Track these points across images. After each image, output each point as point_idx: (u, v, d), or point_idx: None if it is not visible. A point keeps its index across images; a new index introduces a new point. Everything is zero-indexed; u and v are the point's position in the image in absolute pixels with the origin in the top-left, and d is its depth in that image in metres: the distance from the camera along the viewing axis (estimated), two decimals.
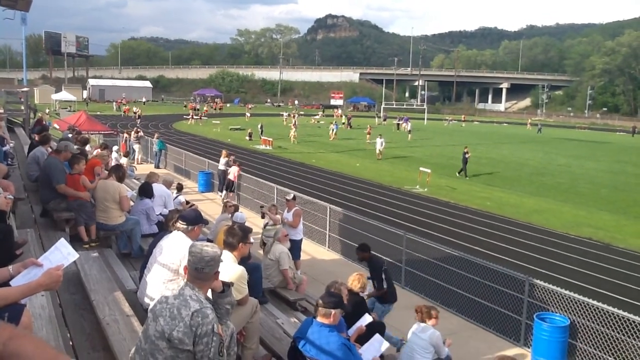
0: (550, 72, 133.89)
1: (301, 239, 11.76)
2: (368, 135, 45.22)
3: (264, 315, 6.57)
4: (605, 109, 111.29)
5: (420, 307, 6.80)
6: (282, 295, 8.43)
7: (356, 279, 7.12)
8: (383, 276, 8.28)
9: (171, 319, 3.10)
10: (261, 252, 10.53)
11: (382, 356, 6.51)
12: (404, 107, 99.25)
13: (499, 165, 32.58)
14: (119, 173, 8.09)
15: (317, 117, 74.00)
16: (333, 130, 46.50)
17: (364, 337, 5.85)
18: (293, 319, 7.22)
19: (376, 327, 6.61)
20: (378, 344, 5.44)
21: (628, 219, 19.42)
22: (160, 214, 8.65)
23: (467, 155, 27.06)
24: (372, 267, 8.44)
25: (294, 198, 11.98)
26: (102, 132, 29.30)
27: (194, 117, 60.75)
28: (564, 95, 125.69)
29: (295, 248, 11.41)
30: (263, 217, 11.52)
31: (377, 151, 33.67)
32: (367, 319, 6.22)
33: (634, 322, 7.37)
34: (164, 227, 6.76)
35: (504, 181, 26.19)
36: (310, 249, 13.05)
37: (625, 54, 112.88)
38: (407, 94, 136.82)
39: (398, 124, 61.24)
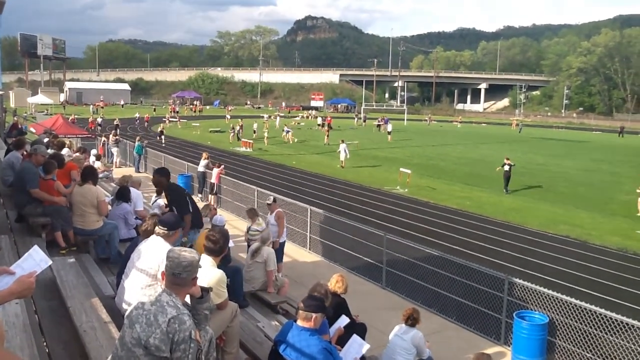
0: (527, 73, 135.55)
1: (284, 242, 11.72)
2: (326, 138, 44.09)
3: (245, 318, 6.54)
4: (581, 108, 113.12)
5: (409, 313, 6.73)
6: (264, 298, 8.40)
7: (338, 280, 7.11)
8: (188, 201, 7.40)
9: (147, 326, 3.06)
10: (242, 255, 10.49)
11: (363, 357, 6.52)
12: (384, 108, 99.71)
13: (478, 165, 32.86)
14: (92, 177, 7.97)
15: (297, 118, 73.99)
16: (286, 132, 44.90)
17: (345, 339, 5.84)
18: (274, 322, 7.19)
19: (357, 329, 6.62)
20: (358, 345, 5.42)
21: (604, 216, 19.72)
22: (137, 217, 8.56)
23: (507, 167, 23.47)
24: (173, 193, 7.49)
25: (275, 201, 11.94)
26: (80, 136, 28.92)
27: (171, 119, 60.48)
28: (541, 95, 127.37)
29: (277, 251, 11.38)
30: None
31: (341, 160, 30.41)
32: (344, 320, 6.21)
33: (611, 318, 7.48)
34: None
35: (483, 180, 26.41)
36: (292, 251, 13.01)
37: (601, 54, 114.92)
38: (387, 95, 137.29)
39: (378, 125, 61.45)
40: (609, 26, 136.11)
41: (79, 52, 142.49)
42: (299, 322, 4.56)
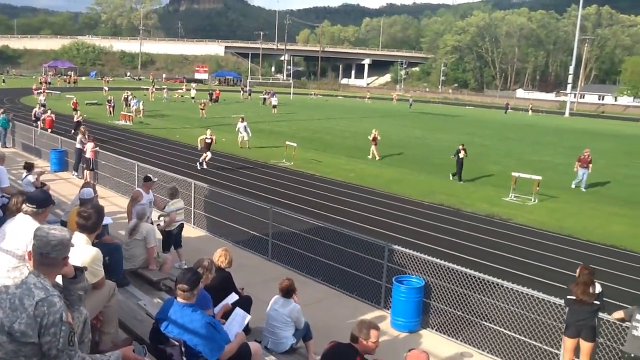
0: (408, 49, 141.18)
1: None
2: (202, 111, 43.07)
3: (125, 297, 6.34)
4: (456, 84, 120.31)
5: (287, 285, 6.78)
6: (145, 275, 8.17)
7: (222, 254, 7.06)
8: None
9: (12, 311, 2.87)
10: (121, 232, 10.10)
11: (249, 329, 6.57)
12: (270, 81, 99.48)
13: (362, 138, 33.82)
14: None
15: (180, 91, 71.73)
16: (139, 105, 40.79)
17: (231, 314, 5.84)
18: (156, 299, 7.03)
19: (243, 302, 6.64)
20: (241, 317, 5.46)
21: (475, 185, 21.21)
22: (3, 196, 7.94)
23: (461, 155, 21.60)
24: None
25: (149, 179, 11.34)
26: None
27: (37, 91, 55.94)
28: (420, 72, 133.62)
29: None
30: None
31: (241, 139, 27.85)
32: (233, 297, 6.22)
33: (478, 278, 8.12)
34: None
35: (366, 153, 27.26)
36: None
37: (474, 33, 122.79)
38: (273, 69, 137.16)
39: (264, 99, 61.24)
40: (481, 8, 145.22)
41: None
42: (180, 299, 4.50)
